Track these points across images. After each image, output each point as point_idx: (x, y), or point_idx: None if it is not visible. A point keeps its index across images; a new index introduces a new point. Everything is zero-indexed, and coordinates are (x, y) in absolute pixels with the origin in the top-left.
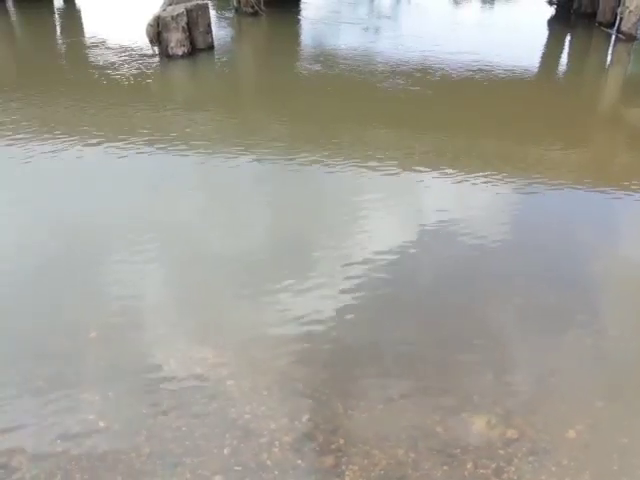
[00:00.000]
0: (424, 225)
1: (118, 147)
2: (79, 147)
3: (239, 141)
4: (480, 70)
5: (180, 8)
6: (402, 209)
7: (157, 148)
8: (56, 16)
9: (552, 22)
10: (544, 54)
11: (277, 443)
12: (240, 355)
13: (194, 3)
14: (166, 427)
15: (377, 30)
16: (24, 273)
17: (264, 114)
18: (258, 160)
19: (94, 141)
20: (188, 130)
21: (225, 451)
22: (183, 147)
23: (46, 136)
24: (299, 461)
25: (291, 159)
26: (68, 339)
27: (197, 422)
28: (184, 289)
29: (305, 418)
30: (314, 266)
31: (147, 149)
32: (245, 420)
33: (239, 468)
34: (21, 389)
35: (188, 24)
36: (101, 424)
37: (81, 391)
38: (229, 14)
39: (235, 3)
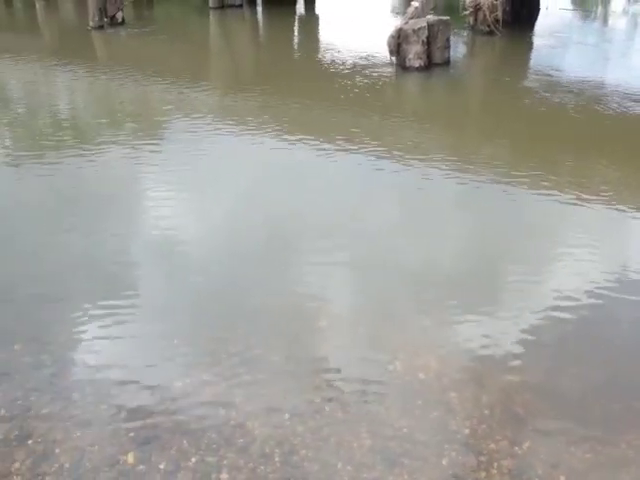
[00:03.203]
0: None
1: (329, 150)
2: (298, 145)
3: (455, 159)
4: None
5: (422, 22)
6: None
7: (370, 156)
8: (296, 21)
9: None
10: None
11: (496, 465)
12: (463, 368)
13: (437, 18)
14: (387, 425)
15: (611, 55)
16: (242, 262)
17: (485, 134)
18: (470, 181)
19: (310, 141)
20: (408, 142)
21: (443, 461)
22: (395, 158)
23: (272, 134)
24: None
25: (506, 183)
26: (300, 322)
27: (417, 426)
28: (406, 295)
29: (526, 446)
30: (521, 294)
31: (358, 156)
32: (464, 435)
33: None
34: (254, 367)
35: (428, 38)
36: (326, 408)
37: (308, 374)
38: (464, 31)
39: (472, 21)
